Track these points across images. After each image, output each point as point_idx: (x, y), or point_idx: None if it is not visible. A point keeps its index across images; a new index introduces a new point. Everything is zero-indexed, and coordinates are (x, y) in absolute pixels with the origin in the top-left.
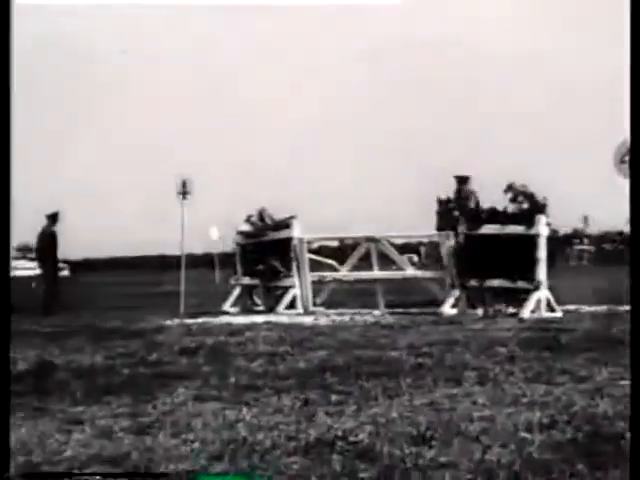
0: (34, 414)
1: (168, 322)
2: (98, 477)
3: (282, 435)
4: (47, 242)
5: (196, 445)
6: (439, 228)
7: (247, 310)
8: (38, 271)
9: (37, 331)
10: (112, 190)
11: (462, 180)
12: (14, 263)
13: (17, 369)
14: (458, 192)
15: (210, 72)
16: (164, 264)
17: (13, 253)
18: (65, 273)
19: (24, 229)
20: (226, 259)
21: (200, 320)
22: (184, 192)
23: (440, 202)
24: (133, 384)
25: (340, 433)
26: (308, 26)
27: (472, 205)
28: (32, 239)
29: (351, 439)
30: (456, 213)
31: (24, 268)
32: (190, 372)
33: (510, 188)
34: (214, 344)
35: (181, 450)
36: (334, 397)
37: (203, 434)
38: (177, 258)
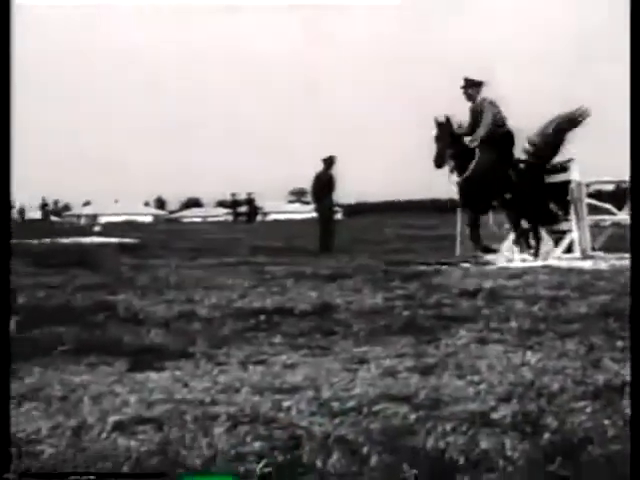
0: (318, 352)
1: (444, 265)
2: (93, 477)
3: (568, 379)
4: (323, 185)
5: (482, 387)
6: (438, 157)
7: (524, 254)
8: (314, 214)
9: (315, 273)
10: (383, 133)
11: (472, 85)
12: (287, 206)
13: (299, 308)
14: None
15: None
16: (438, 207)
17: (288, 197)
18: (338, 216)
19: (299, 175)
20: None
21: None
22: None
23: (439, 124)
24: (414, 325)
25: (628, 379)
26: None
27: (490, 119)
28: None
29: None
30: (467, 139)
31: (297, 212)
32: (470, 315)
33: None
34: (492, 287)
35: (468, 391)
36: (619, 343)
37: (488, 376)
38: (451, 202)
